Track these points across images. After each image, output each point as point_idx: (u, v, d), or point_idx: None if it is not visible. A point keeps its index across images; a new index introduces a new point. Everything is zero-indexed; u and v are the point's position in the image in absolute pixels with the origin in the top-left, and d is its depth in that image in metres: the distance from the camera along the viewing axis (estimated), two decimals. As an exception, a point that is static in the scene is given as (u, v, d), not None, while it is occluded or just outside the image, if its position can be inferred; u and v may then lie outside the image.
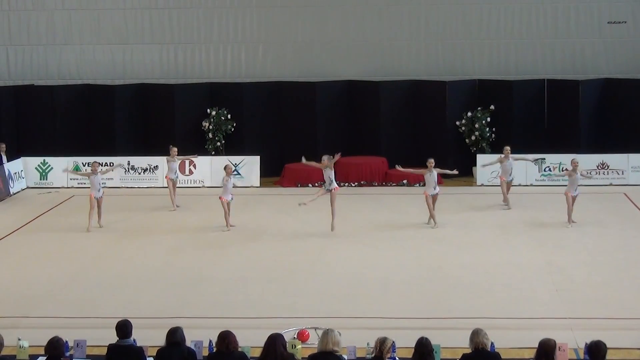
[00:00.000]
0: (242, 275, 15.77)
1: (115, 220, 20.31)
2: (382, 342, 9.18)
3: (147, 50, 26.80)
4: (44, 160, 24.68)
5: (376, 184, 24.17)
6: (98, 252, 17.64)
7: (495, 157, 21.84)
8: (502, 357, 9.60)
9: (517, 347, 11.62)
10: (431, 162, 19.27)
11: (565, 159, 23.46)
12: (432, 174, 19.21)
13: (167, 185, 21.73)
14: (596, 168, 23.45)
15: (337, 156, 18.86)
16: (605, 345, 9.00)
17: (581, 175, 19.37)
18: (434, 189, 19.17)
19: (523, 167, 23.33)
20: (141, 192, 23.82)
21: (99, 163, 21.30)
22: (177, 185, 21.98)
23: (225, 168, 19.71)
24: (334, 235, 18.54)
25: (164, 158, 22.11)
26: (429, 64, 26.21)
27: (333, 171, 18.46)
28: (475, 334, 9.35)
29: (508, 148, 21.11)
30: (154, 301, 14.28)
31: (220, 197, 19.18)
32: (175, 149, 21.63)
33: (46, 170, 24.57)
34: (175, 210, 21.19)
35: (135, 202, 22.45)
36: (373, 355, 9.20)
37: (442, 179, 24.28)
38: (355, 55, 26.37)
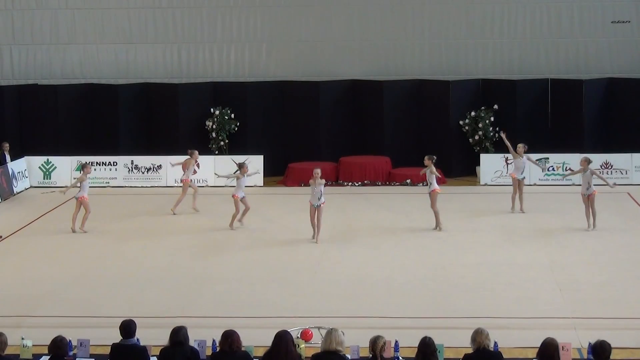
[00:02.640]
0: (246, 274, 15.77)
1: (118, 219, 20.32)
2: (373, 342, 9.22)
3: (151, 49, 26.80)
4: (48, 159, 24.69)
5: (380, 184, 24.16)
6: (102, 251, 17.65)
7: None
8: (506, 356, 9.61)
9: (521, 347, 11.61)
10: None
11: (569, 158, 23.50)
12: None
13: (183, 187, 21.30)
14: (600, 168, 23.40)
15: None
16: (609, 345, 9.00)
17: (592, 173, 18.78)
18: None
19: (527, 167, 23.27)
20: (144, 192, 23.82)
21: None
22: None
23: (241, 166, 19.58)
24: (337, 234, 18.55)
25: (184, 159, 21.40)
26: (432, 63, 26.20)
27: (323, 185, 18.07)
28: (477, 334, 9.36)
29: (521, 146, 20.83)
30: (157, 300, 14.28)
31: (233, 195, 19.21)
32: (196, 152, 21.37)
33: (50, 170, 24.59)
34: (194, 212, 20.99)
35: (138, 202, 22.45)
36: (371, 356, 9.22)
37: (445, 178, 24.34)
38: (359, 54, 26.36)
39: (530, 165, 23.20)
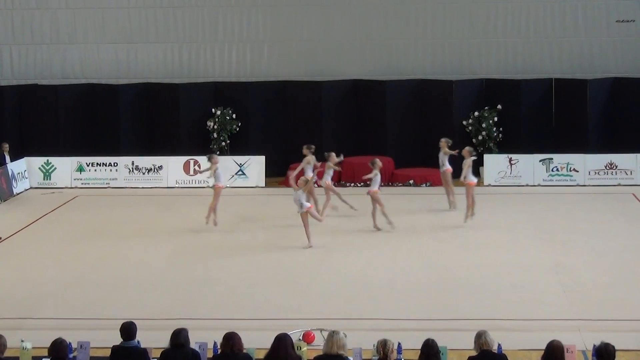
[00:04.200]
0: (247, 276, 15.77)
1: (119, 220, 20.32)
2: (384, 345, 9.18)
3: (152, 49, 26.79)
4: (48, 160, 24.67)
5: (382, 184, 24.09)
6: (102, 252, 17.64)
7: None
8: (510, 359, 9.58)
9: (525, 349, 11.61)
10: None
11: (573, 159, 23.47)
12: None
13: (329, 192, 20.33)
14: (604, 168, 23.39)
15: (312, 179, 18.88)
16: (613, 347, 8.97)
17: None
18: None
19: (531, 167, 23.37)
20: (145, 193, 23.81)
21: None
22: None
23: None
24: (340, 235, 18.53)
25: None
26: (435, 63, 26.16)
27: (305, 193, 17.79)
28: (479, 336, 9.35)
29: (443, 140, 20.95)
30: (158, 302, 14.28)
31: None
32: (333, 154, 20.02)
33: (50, 171, 24.57)
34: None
35: (139, 203, 22.45)
36: (378, 358, 9.19)
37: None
38: (361, 54, 26.34)
39: (534, 166, 23.31)
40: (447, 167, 20.64)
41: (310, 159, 19.66)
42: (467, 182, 18.90)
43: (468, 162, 19.06)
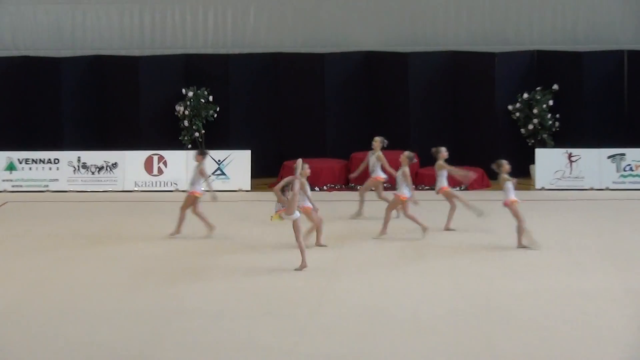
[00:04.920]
0: (229, 306, 15.77)
1: (62, 233, 20.30)
2: None
3: (104, 11, 26.81)
4: (-31, 155, 24.76)
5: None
6: (40, 275, 17.62)
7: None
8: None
9: (589, 402, 11.66)
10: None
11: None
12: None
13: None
14: (691, 168, 23.47)
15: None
16: None
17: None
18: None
19: (596, 165, 23.35)
20: (95, 198, 23.79)
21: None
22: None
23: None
24: (348, 254, 18.54)
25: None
26: (472, 30, 26.19)
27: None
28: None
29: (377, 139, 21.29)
30: (113, 340, 14.25)
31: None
32: (443, 149, 20.78)
33: (-28, 169, 24.67)
34: None
35: (87, 210, 22.43)
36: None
37: (489, 180, 24.37)
38: (377, 18, 26.36)
39: (601, 164, 23.32)
40: (378, 175, 21.07)
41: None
42: (398, 195, 19.43)
43: (405, 171, 19.41)
